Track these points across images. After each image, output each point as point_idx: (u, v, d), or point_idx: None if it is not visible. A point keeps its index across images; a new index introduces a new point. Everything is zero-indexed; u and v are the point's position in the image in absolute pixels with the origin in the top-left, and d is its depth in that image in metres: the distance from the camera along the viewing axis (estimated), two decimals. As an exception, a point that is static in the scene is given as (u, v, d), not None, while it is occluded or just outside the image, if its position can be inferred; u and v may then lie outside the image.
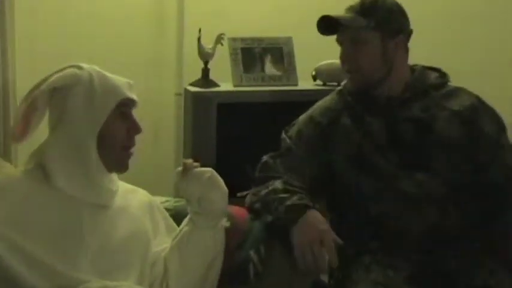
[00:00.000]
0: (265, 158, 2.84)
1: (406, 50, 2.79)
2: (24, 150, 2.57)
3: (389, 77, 2.76)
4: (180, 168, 2.55)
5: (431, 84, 2.81)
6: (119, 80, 2.47)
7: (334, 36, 2.94)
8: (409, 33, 2.79)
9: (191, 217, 2.57)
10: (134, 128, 2.47)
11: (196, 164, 2.54)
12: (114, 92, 2.44)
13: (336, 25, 2.77)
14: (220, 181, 2.56)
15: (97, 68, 2.47)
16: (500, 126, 2.82)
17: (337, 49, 2.92)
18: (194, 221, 2.55)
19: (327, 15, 2.75)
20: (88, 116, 2.40)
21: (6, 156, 2.88)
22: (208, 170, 2.54)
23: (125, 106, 2.45)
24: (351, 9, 2.77)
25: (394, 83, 2.78)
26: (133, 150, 2.50)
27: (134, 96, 2.47)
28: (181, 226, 2.59)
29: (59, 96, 2.42)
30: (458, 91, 2.83)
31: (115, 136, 2.44)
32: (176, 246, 2.54)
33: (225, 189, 2.57)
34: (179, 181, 2.55)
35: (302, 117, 2.89)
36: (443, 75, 2.86)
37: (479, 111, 2.79)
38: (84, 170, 2.41)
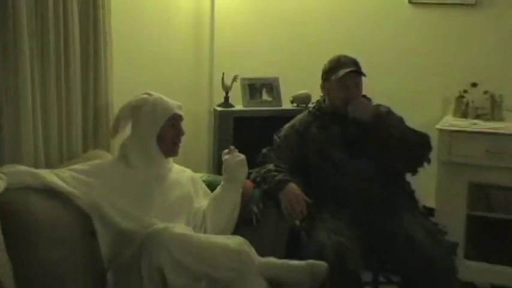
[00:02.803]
0: (264, 150, 3.00)
1: None
2: (116, 147, 2.80)
3: None
4: (226, 150, 2.76)
5: None
6: (172, 102, 2.66)
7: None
8: None
9: (223, 184, 2.72)
10: (179, 133, 2.66)
11: (236, 150, 2.75)
12: (167, 110, 2.62)
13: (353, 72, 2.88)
14: (246, 166, 2.74)
15: (160, 94, 2.66)
16: (401, 119, 3.00)
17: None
18: (225, 186, 2.71)
19: (357, 71, 2.90)
20: (150, 124, 2.60)
21: (108, 150, 2.94)
22: (242, 155, 2.73)
23: (174, 119, 2.63)
24: (355, 65, 2.92)
25: None
26: (180, 144, 2.67)
27: (181, 113, 2.65)
28: (215, 191, 2.74)
29: (135, 112, 2.63)
30: (378, 106, 2.99)
31: (167, 137, 2.62)
32: (212, 202, 2.71)
33: (246, 171, 2.74)
34: (225, 158, 2.73)
35: (287, 126, 3.03)
36: (368, 99, 3.00)
37: (391, 115, 2.99)
38: (149, 155, 2.60)
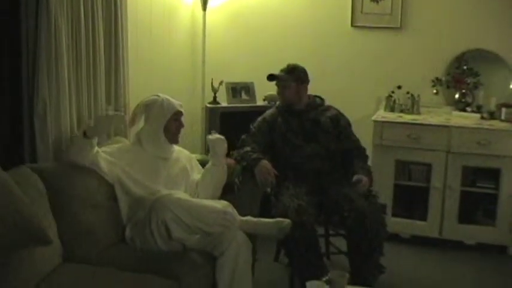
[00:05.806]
0: (243, 136, 2.97)
1: (307, 89, 2.97)
2: (132, 134, 2.76)
3: (299, 101, 2.95)
4: (210, 134, 2.69)
5: (317, 104, 3.01)
6: (175, 101, 2.61)
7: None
8: (308, 82, 2.96)
9: (210, 160, 2.64)
10: (180, 126, 2.61)
11: (216, 132, 2.68)
12: (171, 108, 2.57)
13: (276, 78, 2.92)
14: (225, 143, 2.63)
15: (166, 95, 2.61)
16: (348, 122, 3.01)
17: (274, 87, 3.06)
18: (211, 161, 2.64)
19: (273, 74, 2.92)
20: (159, 118, 2.55)
21: (126, 137, 2.88)
22: (222, 137, 2.65)
23: (177, 114, 2.59)
24: (283, 70, 2.92)
25: (302, 103, 2.95)
26: (181, 134, 2.62)
27: (182, 110, 2.61)
28: (206, 166, 2.68)
29: (147, 109, 2.58)
30: (329, 107, 3.03)
31: (171, 128, 2.57)
32: (203, 174, 2.67)
33: (226, 147, 2.64)
34: (208, 137, 2.66)
35: (259, 118, 3.02)
36: (321, 99, 3.05)
37: (339, 116, 2.99)
38: (157, 141, 2.55)
